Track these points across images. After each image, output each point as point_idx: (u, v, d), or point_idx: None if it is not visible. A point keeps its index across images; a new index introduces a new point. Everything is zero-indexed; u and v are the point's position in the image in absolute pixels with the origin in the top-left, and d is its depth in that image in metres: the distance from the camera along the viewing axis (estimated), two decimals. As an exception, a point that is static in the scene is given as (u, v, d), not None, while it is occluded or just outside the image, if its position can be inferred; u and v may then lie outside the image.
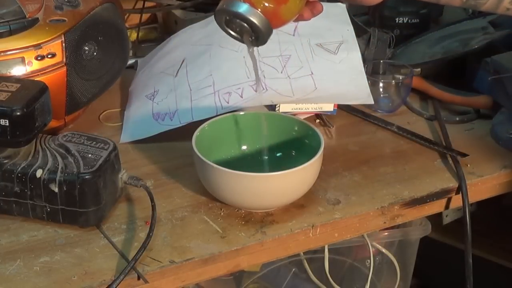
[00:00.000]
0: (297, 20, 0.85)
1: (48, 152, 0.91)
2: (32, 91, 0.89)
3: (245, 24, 0.81)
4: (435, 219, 1.32)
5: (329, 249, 1.25)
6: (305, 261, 1.30)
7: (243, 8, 0.79)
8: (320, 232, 0.94)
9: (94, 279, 0.83)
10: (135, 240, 0.89)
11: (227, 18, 0.82)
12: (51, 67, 1.01)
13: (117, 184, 0.93)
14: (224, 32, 0.84)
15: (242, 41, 0.84)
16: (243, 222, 0.93)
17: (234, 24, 0.82)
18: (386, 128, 1.14)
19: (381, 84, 1.18)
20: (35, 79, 0.98)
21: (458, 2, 0.81)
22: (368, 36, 1.25)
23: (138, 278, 0.84)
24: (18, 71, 0.99)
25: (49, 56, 1.00)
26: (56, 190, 0.88)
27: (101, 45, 1.07)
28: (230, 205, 0.95)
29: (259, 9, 0.80)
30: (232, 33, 0.84)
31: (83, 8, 1.05)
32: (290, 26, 1.04)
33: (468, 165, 1.04)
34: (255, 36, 0.82)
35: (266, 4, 0.80)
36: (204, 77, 1.12)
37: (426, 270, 1.58)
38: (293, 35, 1.17)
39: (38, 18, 1.01)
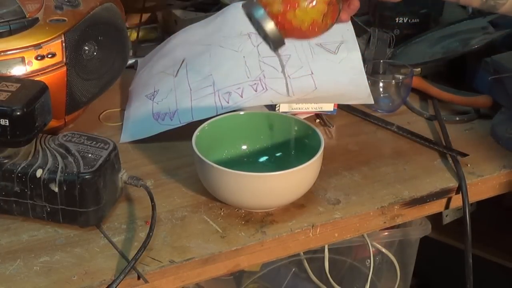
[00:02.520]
0: (337, 22, 0.86)
1: (48, 152, 0.91)
2: (32, 91, 0.89)
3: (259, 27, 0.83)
4: (435, 219, 1.33)
5: (329, 249, 1.25)
6: (305, 261, 1.30)
7: (258, 14, 0.82)
8: (320, 232, 0.94)
9: (94, 279, 0.83)
10: (135, 240, 0.89)
11: (248, 15, 0.84)
12: (51, 67, 1.01)
13: (117, 184, 0.93)
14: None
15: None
16: (243, 222, 0.93)
17: (252, 21, 0.84)
18: (386, 128, 1.14)
19: (381, 84, 1.18)
20: (35, 79, 0.98)
21: (477, 2, 0.81)
22: (368, 36, 1.25)
23: (138, 278, 0.84)
24: (18, 71, 0.99)
25: (49, 56, 1.00)
26: (56, 190, 0.88)
27: (101, 45, 1.07)
28: (230, 205, 0.95)
29: (275, 19, 0.81)
30: (254, 27, 0.85)
31: (83, 8, 1.05)
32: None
33: (468, 165, 1.04)
34: (267, 40, 0.84)
35: (281, 12, 0.81)
36: (204, 77, 1.12)
37: (426, 270, 1.58)
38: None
39: (38, 18, 1.01)
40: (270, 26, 0.82)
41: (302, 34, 0.84)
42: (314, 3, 0.81)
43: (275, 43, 0.83)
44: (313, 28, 0.83)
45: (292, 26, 0.82)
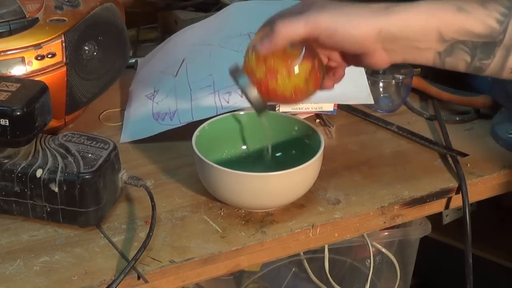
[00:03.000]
0: (321, 89, 0.87)
1: (48, 152, 0.91)
2: (32, 91, 0.89)
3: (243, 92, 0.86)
4: (435, 219, 1.33)
5: (329, 249, 1.25)
6: (305, 261, 1.30)
7: (242, 81, 0.85)
8: (320, 232, 0.94)
9: (94, 279, 0.83)
10: (135, 240, 0.89)
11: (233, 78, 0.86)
12: (51, 67, 1.01)
13: (117, 184, 0.93)
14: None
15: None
16: (243, 222, 0.93)
17: (237, 85, 0.86)
18: (386, 128, 1.14)
19: (381, 84, 1.18)
20: (35, 79, 0.98)
21: (463, 65, 0.81)
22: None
23: (138, 278, 0.84)
24: (18, 71, 0.99)
25: (49, 56, 1.00)
26: (56, 190, 0.88)
27: (101, 45, 1.07)
28: (230, 205, 0.95)
29: (258, 86, 0.84)
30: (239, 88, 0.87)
31: (83, 8, 1.05)
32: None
33: (468, 165, 1.04)
34: (251, 105, 0.86)
35: (264, 80, 0.83)
36: (204, 77, 1.12)
37: (426, 270, 1.58)
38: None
39: (38, 18, 1.01)
40: (253, 93, 0.84)
41: (285, 100, 0.86)
42: (296, 71, 0.83)
43: (258, 109, 0.86)
44: (296, 95, 0.85)
45: (275, 94, 0.84)
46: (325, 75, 0.87)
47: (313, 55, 0.84)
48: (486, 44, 0.79)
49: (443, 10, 0.78)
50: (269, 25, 0.83)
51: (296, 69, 0.83)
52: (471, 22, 0.78)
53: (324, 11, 0.80)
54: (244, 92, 0.85)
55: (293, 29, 0.80)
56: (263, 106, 0.86)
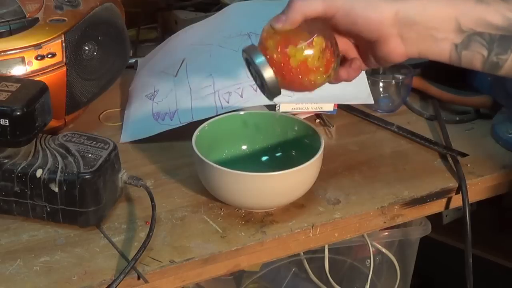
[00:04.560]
0: (334, 81, 0.86)
1: (48, 152, 0.91)
2: (32, 91, 0.89)
3: (258, 74, 0.83)
4: (435, 219, 1.32)
5: (329, 249, 1.25)
6: (305, 261, 1.30)
7: (258, 60, 0.81)
8: (320, 232, 0.94)
9: (94, 279, 0.83)
10: (135, 240, 0.89)
11: (247, 60, 0.84)
12: (51, 67, 1.01)
13: (117, 184, 0.93)
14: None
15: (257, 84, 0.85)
16: (243, 222, 0.93)
17: (252, 67, 0.84)
18: (386, 128, 1.14)
19: (381, 84, 1.18)
20: (35, 79, 0.98)
21: (479, 60, 0.80)
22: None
23: (138, 278, 0.84)
24: (18, 71, 0.99)
25: (49, 56, 1.00)
26: (56, 190, 0.88)
27: (101, 45, 1.07)
28: (230, 205, 0.95)
29: (274, 67, 0.81)
30: (251, 73, 0.85)
31: (83, 8, 1.05)
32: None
33: (468, 165, 1.04)
34: (264, 88, 0.84)
35: (282, 63, 0.81)
36: (204, 77, 1.12)
37: (426, 270, 1.58)
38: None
39: (38, 18, 1.01)
40: (269, 74, 0.81)
41: (300, 85, 0.83)
42: (312, 46, 0.81)
43: (272, 92, 0.83)
44: (309, 81, 0.83)
45: (291, 75, 0.82)
46: (339, 63, 0.84)
47: (329, 34, 0.82)
48: (504, 38, 0.78)
49: None
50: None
51: (312, 44, 0.81)
52: (491, 14, 0.77)
53: None
54: (258, 72, 0.82)
55: (310, 5, 0.79)
56: (277, 88, 0.83)
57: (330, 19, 0.80)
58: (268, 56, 0.82)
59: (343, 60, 0.86)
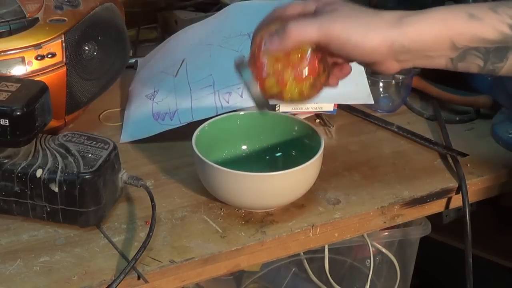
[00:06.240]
0: (325, 86, 0.87)
1: (48, 152, 0.91)
2: (32, 91, 0.89)
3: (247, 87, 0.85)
4: (435, 219, 1.32)
5: (329, 249, 1.25)
6: (305, 261, 1.30)
7: (245, 74, 0.84)
8: (320, 232, 0.94)
9: (94, 279, 0.83)
10: (135, 240, 0.89)
11: (237, 72, 0.85)
12: (51, 67, 1.01)
13: (117, 184, 0.93)
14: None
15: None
16: (243, 222, 0.93)
17: (240, 78, 0.85)
18: (386, 128, 1.14)
19: (381, 84, 1.18)
20: (35, 79, 0.98)
21: (475, 69, 0.81)
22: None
23: (138, 278, 0.84)
24: (18, 71, 0.99)
25: (49, 56, 1.00)
26: (56, 190, 0.88)
27: (101, 45, 1.07)
28: (230, 205, 0.95)
29: (259, 82, 0.83)
30: (242, 83, 0.87)
31: (83, 8, 1.05)
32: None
33: (468, 165, 1.04)
34: (252, 100, 0.86)
35: (271, 80, 0.83)
36: (204, 77, 1.12)
37: (426, 270, 1.58)
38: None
39: (38, 18, 1.01)
40: (255, 89, 0.84)
41: (284, 100, 0.85)
42: (303, 74, 0.82)
43: (259, 105, 0.86)
44: (300, 97, 0.85)
45: (275, 94, 0.84)
46: (329, 76, 0.86)
47: (320, 59, 0.83)
48: (499, 49, 0.79)
49: (455, 18, 0.78)
50: (280, 20, 0.83)
51: (305, 72, 0.82)
52: (484, 30, 0.78)
53: (338, 18, 0.80)
54: (246, 87, 0.84)
55: (305, 33, 0.80)
56: (265, 102, 0.85)
57: (325, 46, 0.81)
58: (255, 73, 0.83)
59: (332, 66, 0.87)
